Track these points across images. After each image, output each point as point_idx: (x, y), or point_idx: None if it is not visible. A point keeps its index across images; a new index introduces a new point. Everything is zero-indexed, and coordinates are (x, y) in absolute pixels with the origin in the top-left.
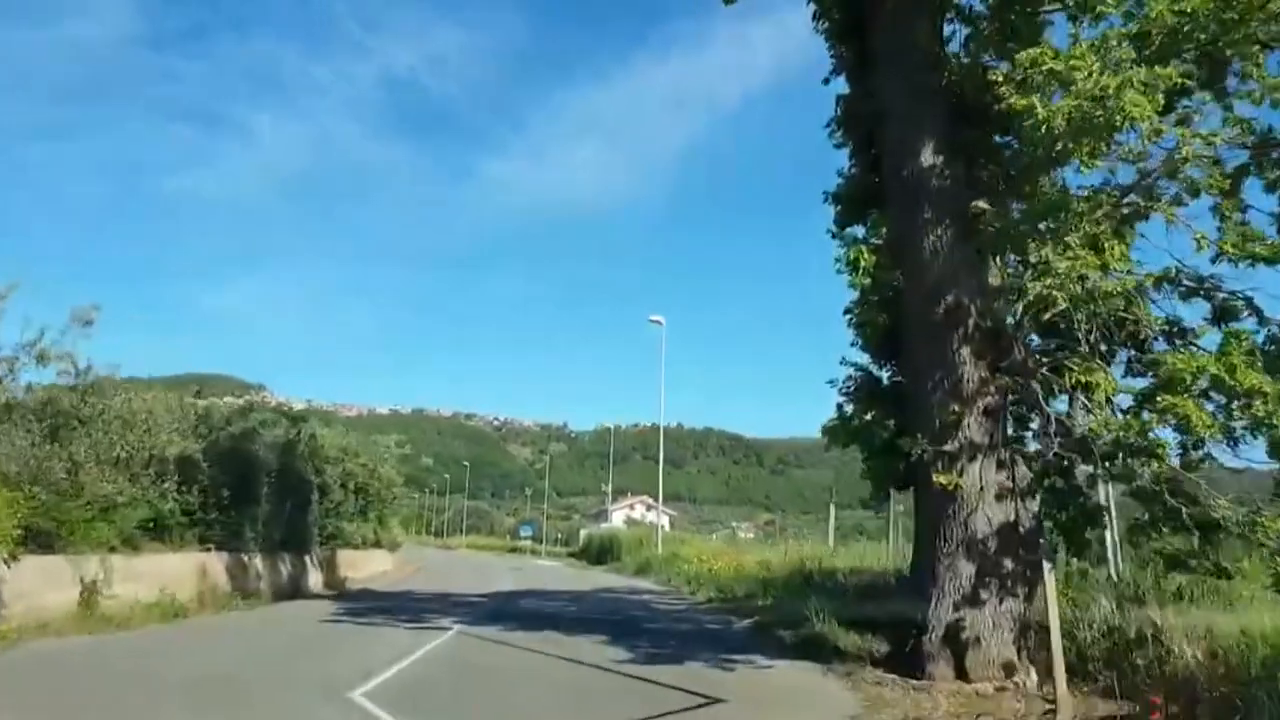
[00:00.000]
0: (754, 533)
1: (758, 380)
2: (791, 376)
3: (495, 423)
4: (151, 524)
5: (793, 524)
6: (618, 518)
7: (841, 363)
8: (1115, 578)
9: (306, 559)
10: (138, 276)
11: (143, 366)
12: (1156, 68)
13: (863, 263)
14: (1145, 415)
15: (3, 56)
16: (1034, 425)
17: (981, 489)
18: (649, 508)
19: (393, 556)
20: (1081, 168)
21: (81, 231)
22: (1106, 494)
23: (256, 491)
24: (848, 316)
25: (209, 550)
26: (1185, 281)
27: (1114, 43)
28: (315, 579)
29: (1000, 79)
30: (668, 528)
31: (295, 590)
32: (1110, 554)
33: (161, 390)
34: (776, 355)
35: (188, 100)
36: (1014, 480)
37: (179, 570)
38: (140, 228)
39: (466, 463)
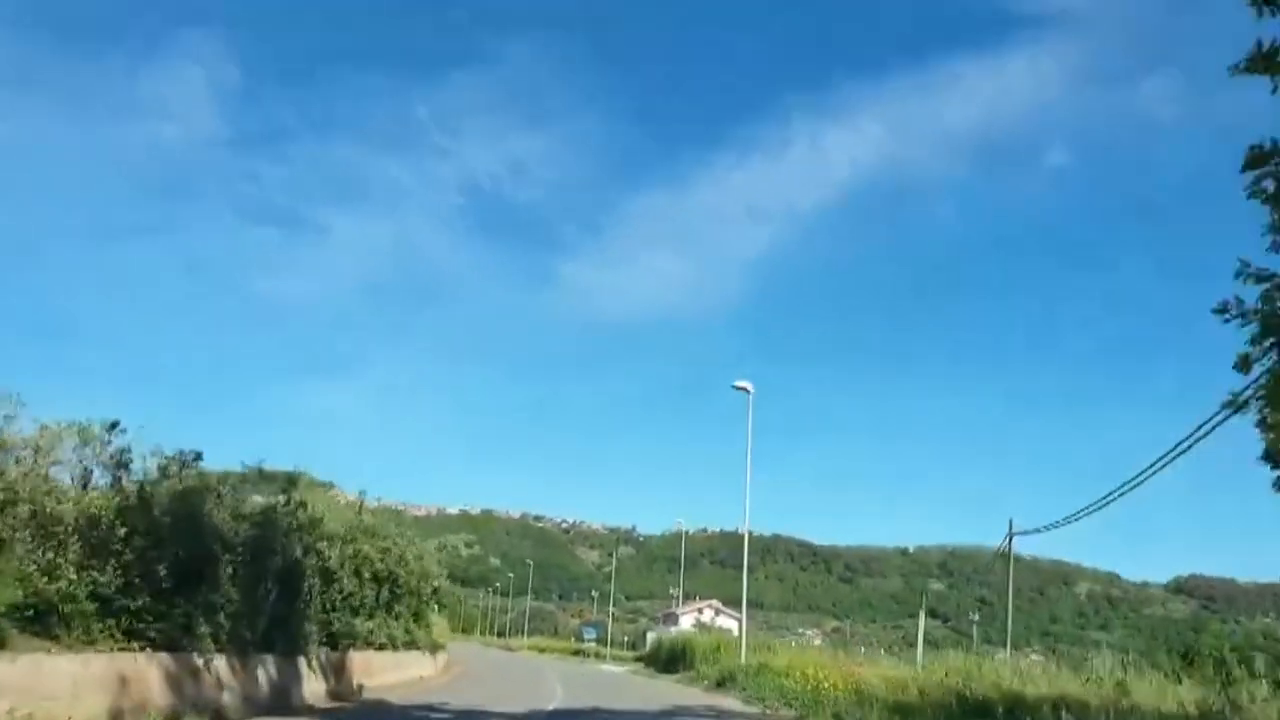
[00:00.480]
0: (820, 639)
1: (826, 488)
2: (860, 485)
3: (563, 525)
4: (31, 611)
5: (860, 632)
6: (686, 621)
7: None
8: None
9: (300, 662)
10: (219, 374)
11: (218, 461)
12: None
13: None
14: None
15: (85, 154)
16: None
17: None
18: (718, 612)
19: (433, 659)
20: None
21: (164, 330)
22: None
23: (214, 572)
24: None
25: (139, 650)
26: None
27: None
28: (314, 687)
29: None
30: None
31: (282, 703)
32: None
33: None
34: (845, 464)
35: (270, 202)
36: None
37: (79, 680)
38: (222, 327)
39: (530, 561)
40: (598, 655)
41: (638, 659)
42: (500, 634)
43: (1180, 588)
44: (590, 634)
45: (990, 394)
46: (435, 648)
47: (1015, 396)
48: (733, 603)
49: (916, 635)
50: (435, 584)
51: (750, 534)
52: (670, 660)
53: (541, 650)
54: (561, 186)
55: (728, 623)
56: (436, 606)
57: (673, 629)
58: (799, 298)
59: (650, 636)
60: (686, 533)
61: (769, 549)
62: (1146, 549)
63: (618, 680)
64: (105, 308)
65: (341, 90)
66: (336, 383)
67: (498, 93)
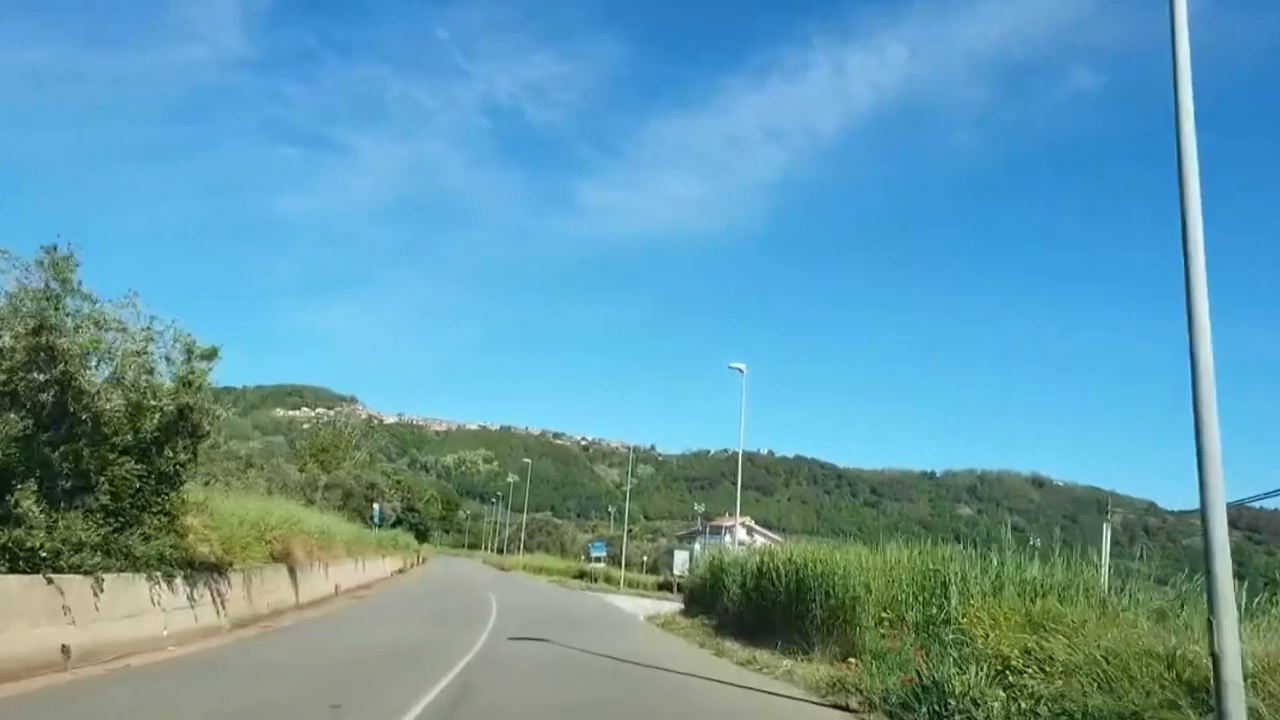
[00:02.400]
0: None
1: (851, 411)
2: (886, 409)
3: (583, 442)
4: None
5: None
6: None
7: None
8: None
9: None
10: (239, 292)
11: (238, 376)
12: None
13: None
14: None
15: (112, 79)
16: None
17: None
18: (750, 531)
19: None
20: None
21: (187, 248)
22: None
23: None
24: None
25: None
26: None
27: None
28: None
29: None
30: None
31: None
32: None
33: None
34: (871, 387)
35: (293, 123)
36: None
37: None
38: (244, 245)
39: (527, 461)
40: (608, 580)
41: (661, 587)
42: (500, 550)
43: None
44: (598, 550)
45: (1024, 316)
46: (288, 559)
47: (1049, 317)
48: (763, 524)
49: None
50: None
51: (772, 454)
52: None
53: (538, 571)
54: (580, 108)
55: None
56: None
57: (704, 545)
58: (819, 219)
59: (680, 557)
60: (706, 452)
61: (792, 471)
62: (1189, 476)
63: (639, 635)
64: (129, 227)
65: (364, 12)
66: (357, 301)
67: (517, 13)
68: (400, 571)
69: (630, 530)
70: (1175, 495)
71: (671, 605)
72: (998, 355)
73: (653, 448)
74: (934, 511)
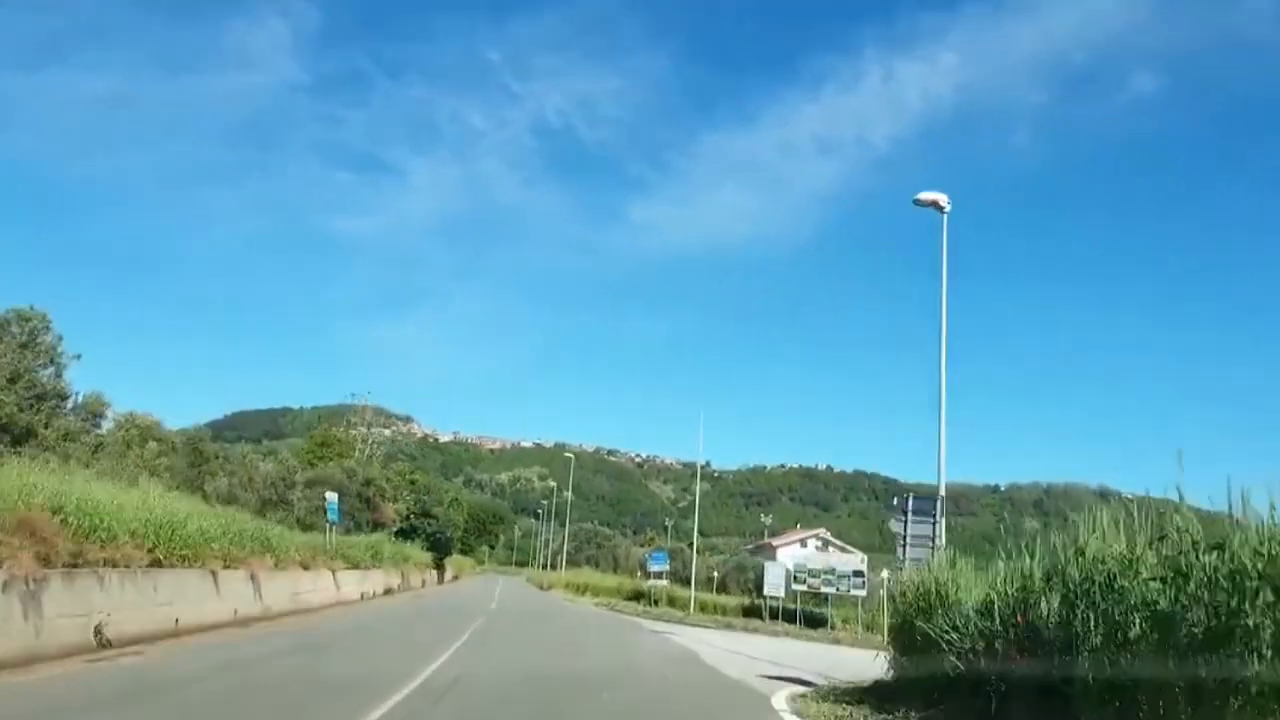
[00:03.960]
0: None
1: (911, 424)
2: (950, 419)
3: (637, 459)
4: None
5: None
6: (784, 554)
7: None
8: None
9: None
10: (298, 313)
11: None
12: None
13: None
14: None
15: (173, 103)
16: None
17: None
18: (826, 544)
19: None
20: None
21: (247, 270)
22: None
23: None
24: None
25: None
26: None
27: None
28: None
29: None
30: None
31: None
32: None
33: None
34: (931, 399)
35: (348, 146)
36: None
37: None
38: (303, 266)
39: (569, 455)
40: (671, 602)
41: (747, 612)
42: (546, 567)
43: None
44: (659, 563)
45: (1093, 325)
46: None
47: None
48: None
49: None
50: None
51: (830, 469)
52: None
53: (582, 590)
54: (630, 124)
55: (842, 559)
56: None
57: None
58: (871, 230)
59: (773, 572)
60: (762, 468)
61: (851, 485)
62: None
63: None
64: (195, 247)
65: (414, 34)
66: (412, 319)
67: (566, 31)
68: (388, 592)
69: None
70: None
71: (791, 647)
72: (1055, 365)
73: (708, 464)
74: (997, 525)
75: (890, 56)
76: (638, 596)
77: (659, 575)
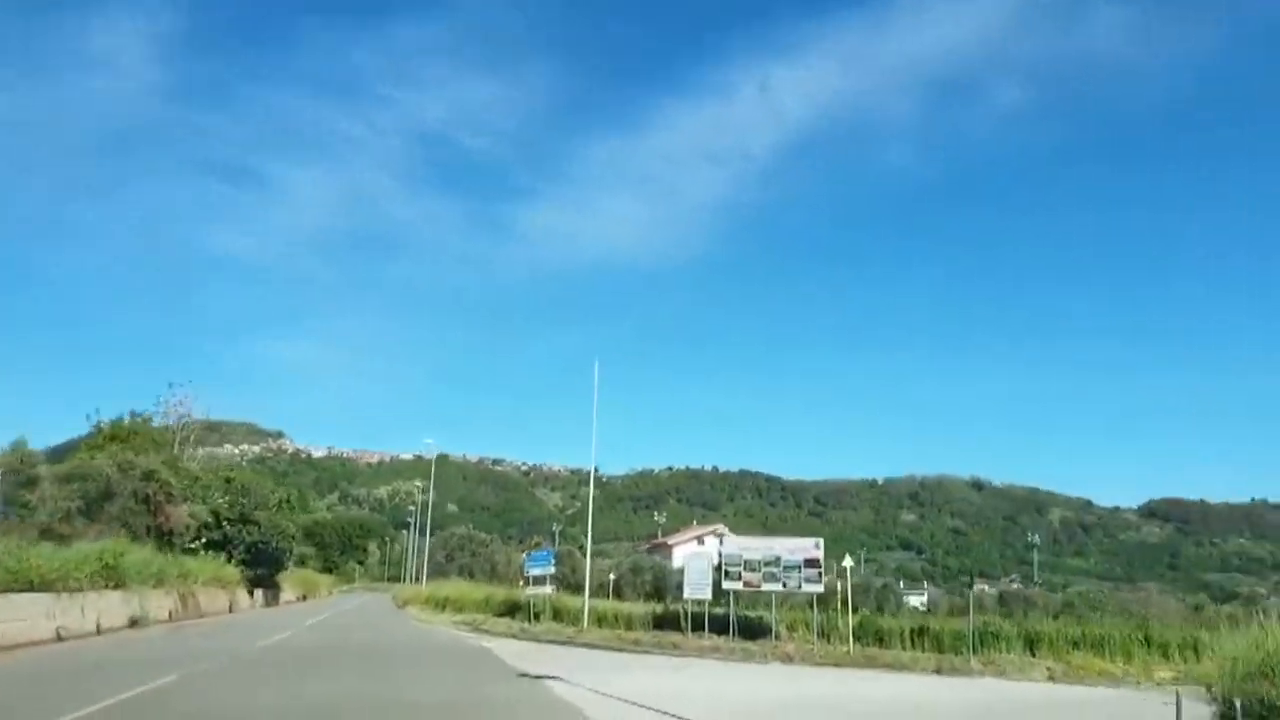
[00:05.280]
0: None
1: (795, 423)
2: (829, 419)
3: (523, 468)
4: None
5: (834, 568)
6: (680, 553)
7: None
8: None
9: None
10: (169, 332)
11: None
12: None
13: None
14: None
15: (30, 114)
16: None
17: None
18: (722, 539)
19: None
20: None
21: (115, 287)
22: None
23: None
24: None
25: None
26: None
27: None
28: None
29: None
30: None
31: None
32: None
33: None
34: (815, 398)
35: (216, 156)
36: None
37: None
38: (173, 283)
39: (428, 448)
40: (556, 615)
41: (659, 623)
42: (414, 580)
43: (1153, 511)
44: (540, 564)
45: (963, 323)
46: None
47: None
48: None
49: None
50: None
51: (716, 470)
52: None
53: (443, 606)
54: (515, 133)
55: (790, 545)
56: None
57: (687, 556)
58: (761, 239)
59: (696, 568)
60: (650, 471)
61: (737, 485)
62: (1119, 473)
63: None
64: (58, 264)
65: (284, 39)
66: (291, 336)
67: (445, 38)
68: (133, 624)
69: (580, 547)
70: (1111, 492)
71: (801, 688)
72: (934, 362)
73: (596, 469)
74: (877, 518)
75: (768, 66)
76: (513, 610)
77: (540, 581)
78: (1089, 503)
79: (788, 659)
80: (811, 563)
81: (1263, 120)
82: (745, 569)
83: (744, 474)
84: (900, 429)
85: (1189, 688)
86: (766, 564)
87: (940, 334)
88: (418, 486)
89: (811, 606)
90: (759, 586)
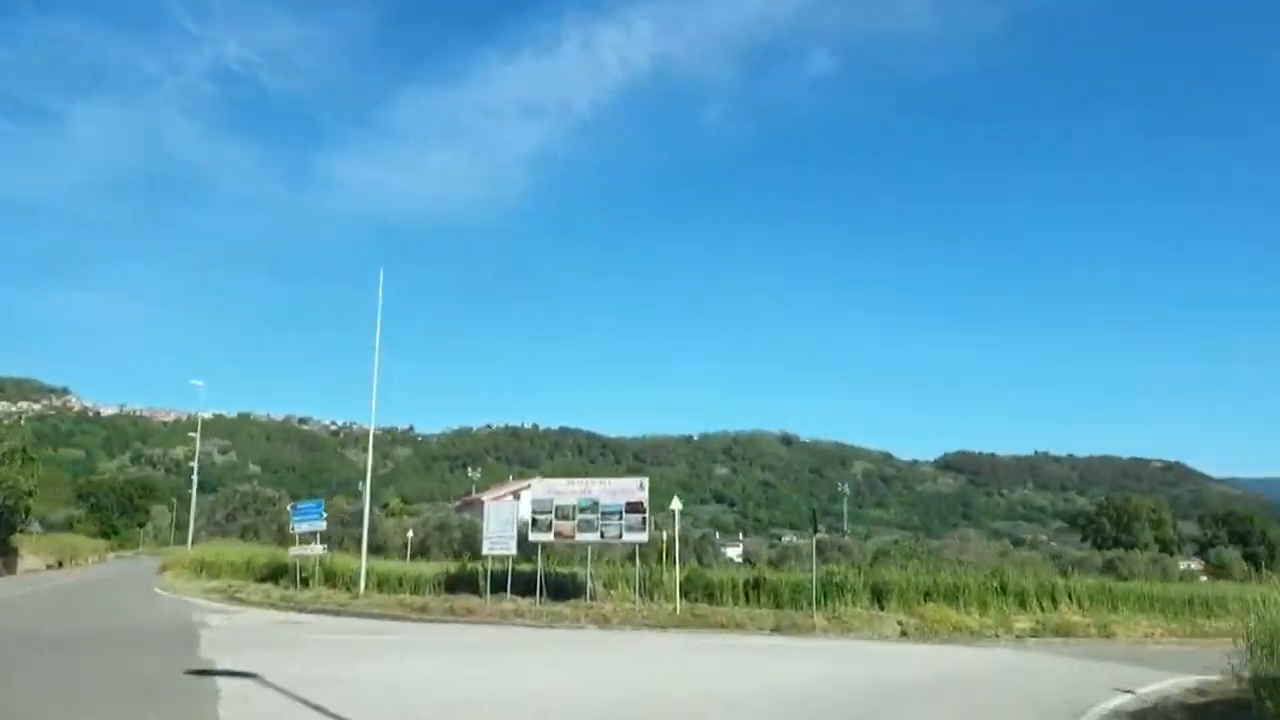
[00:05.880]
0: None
1: (613, 379)
2: (647, 375)
3: (332, 428)
4: None
5: (659, 520)
6: (492, 509)
7: None
8: None
9: None
10: None
11: None
12: None
13: None
14: None
15: None
16: None
17: None
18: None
19: None
20: None
21: None
22: None
23: None
24: None
25: None
26: None
27: None
28: None
29: None
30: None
31: None
32: None
33: None
34: (634, 354)
35: None
36: None
37: None
38: None
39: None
40: (329, 579)
41: (452, 585)
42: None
43: (949, 464)
44: (309, 517)
45: (775, 279)
46: None
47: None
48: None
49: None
50: None
51: (537, 428)
52: None
53: (201, 570)
54: (325, 77)
55: (609, 487)
56: None
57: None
58: (580, 195)
59: (497, 512)
60: (467, 429)
61: (557, 442)
62: (918, 429)
63: None
64: None
65: None
66: (80, 285)
67: None
68: None
69: (387, 507)
70: (909, 446)
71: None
72: (749, 319)
73: (410, 428)
74: (693, 473)
75: (589, 22)
76: (277, 575)
77: (309, 538)
78: (890, 456)
79: (604, 621)
80: (634, 507)
81: (1040, 88)
82: (557, 517)
83: (564, 431)
84: (716, 386)
85: (1079, 644)
86: (582, 510)
87: (755, 291)
88: (213, 445)
89: (633, 560)
90: (573, 538)
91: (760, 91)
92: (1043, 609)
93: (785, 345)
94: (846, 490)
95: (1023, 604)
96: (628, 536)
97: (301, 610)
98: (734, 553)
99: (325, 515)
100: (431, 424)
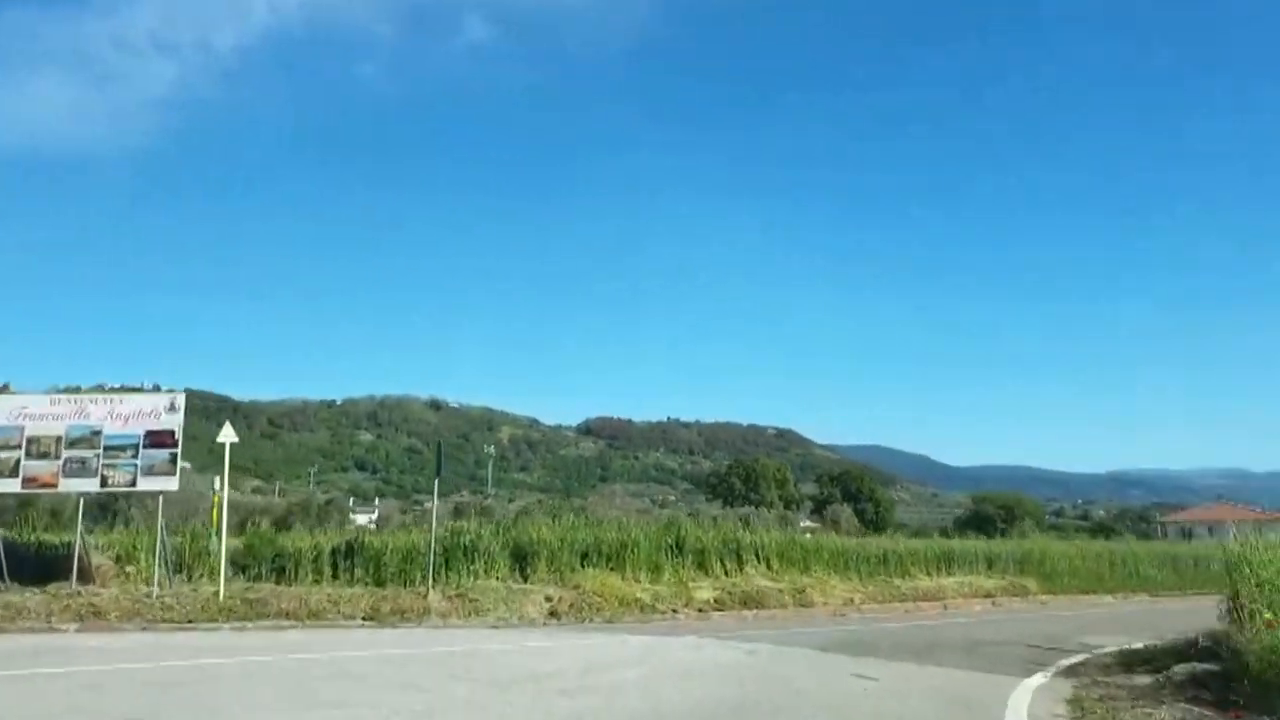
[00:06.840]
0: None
1: (250, 339)
2: (292, 336)
3: None
4: None
5: (291, 488)
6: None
7: None
8: None
9: None
10: None
11: None
12: None
13: None
14: None
15: None
16: None
17: None
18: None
19: None
20: None
21: None
22: None
23: None
24: None
25: None
26: None
27: None
28: None
29: None
30: None
31: None
32: None
33: None
34: (271, 312)
35: None
36: None
37: None
38: None
39: None
40: None
41: None
42: None
43: (590, 429)
44: None
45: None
46: None
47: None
48: None
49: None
50: None
51: (158, 389)
52: None
53: None
54: None
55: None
56: None
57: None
58: (217, 137)
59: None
60: (79, 387)
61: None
62: (563, 396)
63: None
64: None
65: None
66: None
67: None
68: None
69: None
70: (554, 412)
71: None
72: (395, 283)
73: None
74: (334, 439)
75: None
76: None
77: None
78: (536, 421)
79: (95, 617)
80: (161, 439)
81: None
82: (33, 454)
83: (191, 393)
84: (361, 349)
85: (777, 618)
86: (73, 444)
87: (409, 249)
88: None
89: (158, 518)
90: (57, 486)
91: (417, 52)
92: (726, 572)
93: (436, 312)
94: (492, 451)
95: (702, 565)
96: (147, 484)
97: None
98: (365, 518)
99: None
100: (39, 380)
